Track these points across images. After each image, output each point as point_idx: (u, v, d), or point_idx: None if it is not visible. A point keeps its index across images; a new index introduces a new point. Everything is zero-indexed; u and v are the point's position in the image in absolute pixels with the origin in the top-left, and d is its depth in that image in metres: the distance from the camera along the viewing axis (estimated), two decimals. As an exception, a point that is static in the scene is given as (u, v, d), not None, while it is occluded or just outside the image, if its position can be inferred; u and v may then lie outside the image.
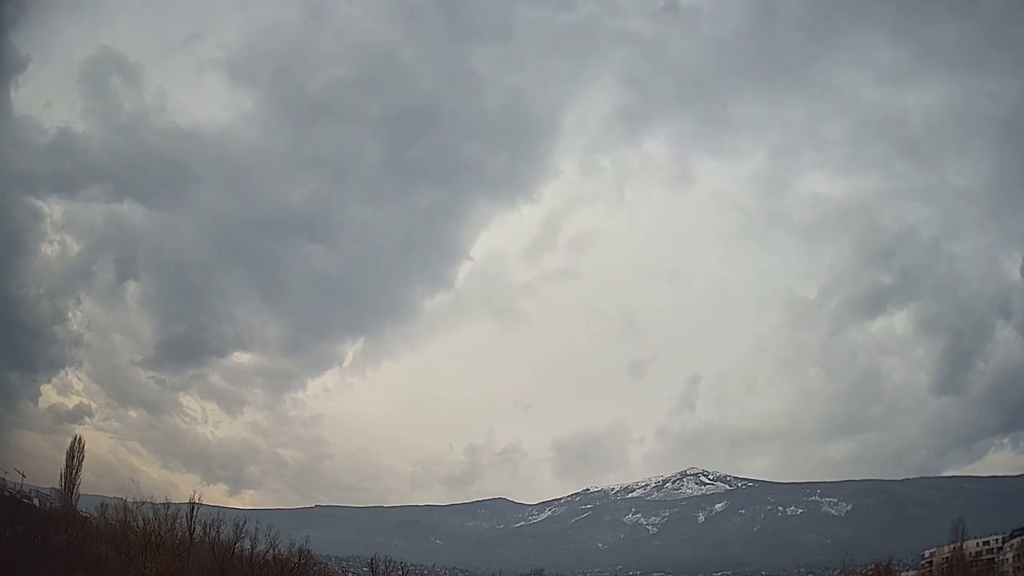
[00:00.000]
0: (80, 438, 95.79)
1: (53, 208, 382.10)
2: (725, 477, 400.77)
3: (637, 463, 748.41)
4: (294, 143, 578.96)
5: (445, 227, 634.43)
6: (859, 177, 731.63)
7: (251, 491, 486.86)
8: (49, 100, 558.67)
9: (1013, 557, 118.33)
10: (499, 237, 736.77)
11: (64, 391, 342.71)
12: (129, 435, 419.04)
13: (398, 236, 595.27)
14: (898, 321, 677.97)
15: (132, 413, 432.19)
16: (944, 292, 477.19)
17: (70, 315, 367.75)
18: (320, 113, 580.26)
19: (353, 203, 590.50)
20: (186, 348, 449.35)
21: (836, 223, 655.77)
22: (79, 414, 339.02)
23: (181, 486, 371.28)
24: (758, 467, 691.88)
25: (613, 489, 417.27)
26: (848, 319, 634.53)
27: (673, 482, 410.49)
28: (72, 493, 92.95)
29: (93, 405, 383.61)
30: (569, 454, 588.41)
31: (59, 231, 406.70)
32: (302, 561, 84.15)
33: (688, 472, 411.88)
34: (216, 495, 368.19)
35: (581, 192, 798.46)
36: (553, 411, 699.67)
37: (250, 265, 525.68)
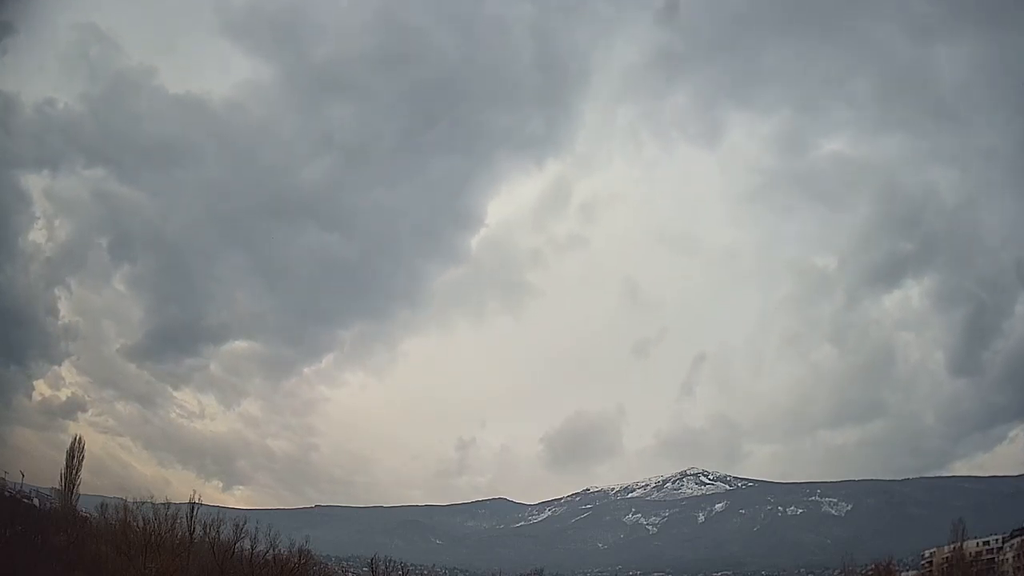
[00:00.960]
0: (80, 438, 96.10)
1: (38, 187, 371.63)
2: (725, 477, 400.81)
3: (638, 454, 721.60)
4: (301, 115, 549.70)
5: (457, 194, 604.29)
6: (884, 137, 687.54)
7: (242, 487, 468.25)
8: (34, 71, 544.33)
9: (1013, 557, 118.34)
10: (513, 202, 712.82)
11: (56, 385, 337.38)
12: (122, 430, 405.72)
13: (408, 211, 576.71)
14: (916, 293, 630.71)
15: (125, 407, 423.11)
16: (965, 262, 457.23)
17: (60, 305, 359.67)
18: (328, 81, 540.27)
19: (362, 175, 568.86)
20: (181, 336, 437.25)
21: (857, 186, 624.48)
22: (71, 408, 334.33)
23: (174, 482, 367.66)
24: (758, 466, 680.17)
25: (613, 489, 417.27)
26: (864, 290, 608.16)
27: (673, 482, 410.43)
28: (72, 493, 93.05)
29: (86, 398, 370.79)
30: (570, 443, 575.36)
31: (46, 212, 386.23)
32: (302, 561, 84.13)
33: (688, 472, 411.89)
34: (211, 492, 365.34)
35: (599, 150, 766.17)
36: (557, 399, 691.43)
37: (248, 246, 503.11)
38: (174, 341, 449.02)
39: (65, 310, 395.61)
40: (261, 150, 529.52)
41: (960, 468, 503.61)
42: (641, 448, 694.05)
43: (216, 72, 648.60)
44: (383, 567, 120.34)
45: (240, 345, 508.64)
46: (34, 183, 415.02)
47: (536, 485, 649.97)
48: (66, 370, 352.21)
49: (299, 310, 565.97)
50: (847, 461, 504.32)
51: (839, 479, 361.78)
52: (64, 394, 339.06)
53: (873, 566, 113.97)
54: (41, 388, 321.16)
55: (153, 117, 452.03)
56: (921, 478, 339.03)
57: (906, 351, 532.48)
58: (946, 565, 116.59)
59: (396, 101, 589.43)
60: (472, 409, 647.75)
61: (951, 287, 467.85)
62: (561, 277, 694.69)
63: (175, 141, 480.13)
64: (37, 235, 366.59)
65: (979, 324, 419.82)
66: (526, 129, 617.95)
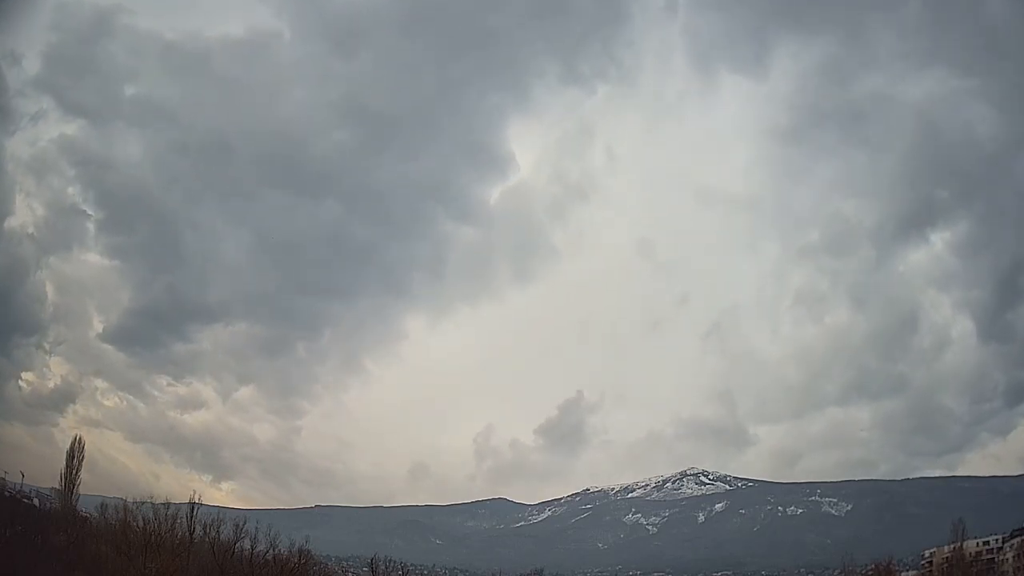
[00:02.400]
0: (80, 438, 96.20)
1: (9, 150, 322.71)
2: (725, 477, 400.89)
3: (630, 447, 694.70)
4: (310, 67, 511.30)
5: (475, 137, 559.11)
6: (928, 72, 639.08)
7: (231, 480, 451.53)
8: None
9: (1013, 557, 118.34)
10: (537, 145, 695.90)
11: (43, 375, 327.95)
12: (110, 423, 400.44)
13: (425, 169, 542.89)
14: (945, 246, 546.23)
15: (113, 400, 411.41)
16: (1000, 213, 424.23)
17: (45, 286, 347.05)
18: (345, 32, 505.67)
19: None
20: (170, 317, 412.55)
21: (894, 126, 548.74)
22: (58, 400, 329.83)
23: (163, 477, 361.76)
24: (760, 462, 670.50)
25: (613, 489, 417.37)
26: (890, 242, 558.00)
27: (673, 482, 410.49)
28: (72, 493, 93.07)
29: (74, 388, 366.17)
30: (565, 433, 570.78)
31: (21, 179, 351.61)
32: (302, 561, 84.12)
33: (688, 472, 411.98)
34: (202, 486, 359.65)
35: (633, 84, 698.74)
36: (561, 378, 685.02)
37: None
38: (163, 322, 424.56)
39: (50, 292, 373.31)
40: (268, 110, 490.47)
41: (974, 458, 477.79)
42: (636, 440, 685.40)
43: (218, 17, 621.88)
44: (383, 567, 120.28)
45: (237, 327, 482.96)
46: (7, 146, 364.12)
47: (536, 485, 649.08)
48: (52, 359, 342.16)
49: (300, 288, 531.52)
50: (857, 447, 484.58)
51: (839, 479, 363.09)
52: (51, 384, 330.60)
53: (873, 566, 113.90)
54: (28, 379, 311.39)
55: (142, 67, 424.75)
56: (921, 478, 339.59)
57: (931, 313, 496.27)
58: (946, 565, 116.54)
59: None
60: (475, 399, 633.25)
61: (984, 239, 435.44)
62: (580, 234, 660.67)
63: (168, 96, 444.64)
64: (15, 206, 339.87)
65: (1013, 282, 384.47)
66: (553, 62, 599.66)
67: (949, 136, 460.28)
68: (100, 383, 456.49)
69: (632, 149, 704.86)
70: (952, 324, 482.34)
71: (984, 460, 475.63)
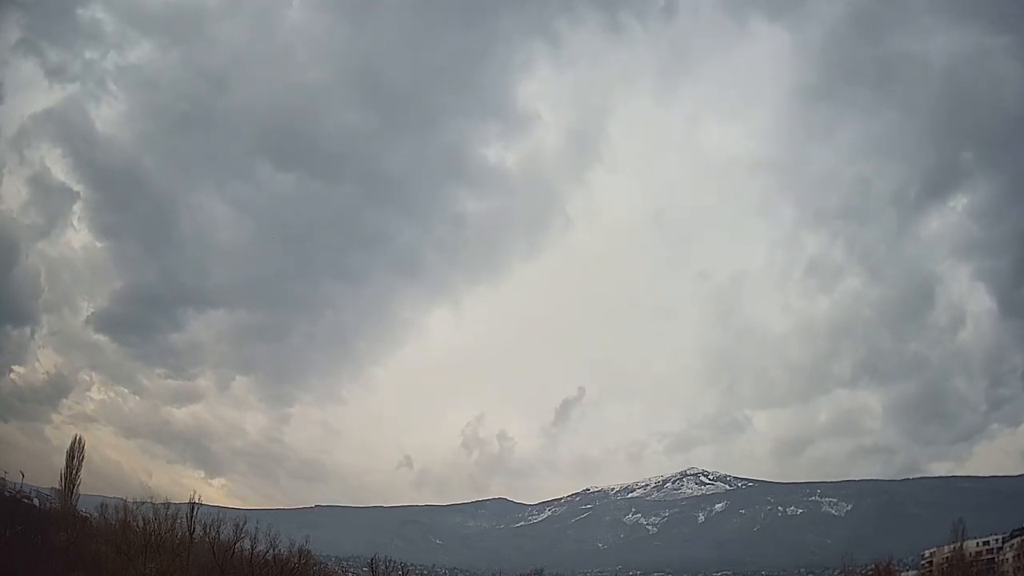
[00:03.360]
0: (80, 438, 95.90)
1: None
2: (725, 477, 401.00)
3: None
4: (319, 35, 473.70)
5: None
6: (958, 28, 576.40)
7: (222, 478, 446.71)
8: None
9: (1013, 557, 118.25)
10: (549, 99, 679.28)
11: (32, 368, 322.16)
12: (105, 420, 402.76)
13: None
14: (966, 211, 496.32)
15: (105, 394, 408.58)
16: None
17: (32, 272, 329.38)
18: None
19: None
20: (161, 304, 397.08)
21: (922, 84, 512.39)
22: (51, 395, 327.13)
23: (156, 473, 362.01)
24: (759, 463, 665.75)
25: (613, 489, 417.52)
26: (912, 208, 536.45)
27: (673, 482, 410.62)
28: (72, 493, 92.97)
29: (65, 384, 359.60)
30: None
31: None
32: (302, 561, 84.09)
33: (688, 472, 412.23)
34: (194, 482, 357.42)
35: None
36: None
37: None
38: (156, 308, 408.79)
39: (40, 278, 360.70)
40: (272, 82, 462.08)
41: (981, 452, 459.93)
42: (634, 437, 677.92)
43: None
44: (383, 567, 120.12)
45: (239, 314, 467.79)
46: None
47: (536, 485, 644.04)
48: (43, 351, 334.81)
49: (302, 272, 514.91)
50: (865, 435, 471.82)
51: (839, 479, 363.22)
52: (43, 376, 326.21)
53: (873, 566, 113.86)
54: (19, 372, 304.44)
55: (133, 33, 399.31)
56: (921, 478, 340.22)
57: (950, 286, 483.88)
58: (946, 565, 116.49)
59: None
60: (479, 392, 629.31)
61: (1006, 204, 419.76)
62: (592, 203, 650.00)
63: (161, 64, 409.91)
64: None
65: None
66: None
67: (977, 95, 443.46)
68: (93, 376, 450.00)
69: (645, 112, 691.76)
70: (970, 298, 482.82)
71: (990, 454, 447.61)
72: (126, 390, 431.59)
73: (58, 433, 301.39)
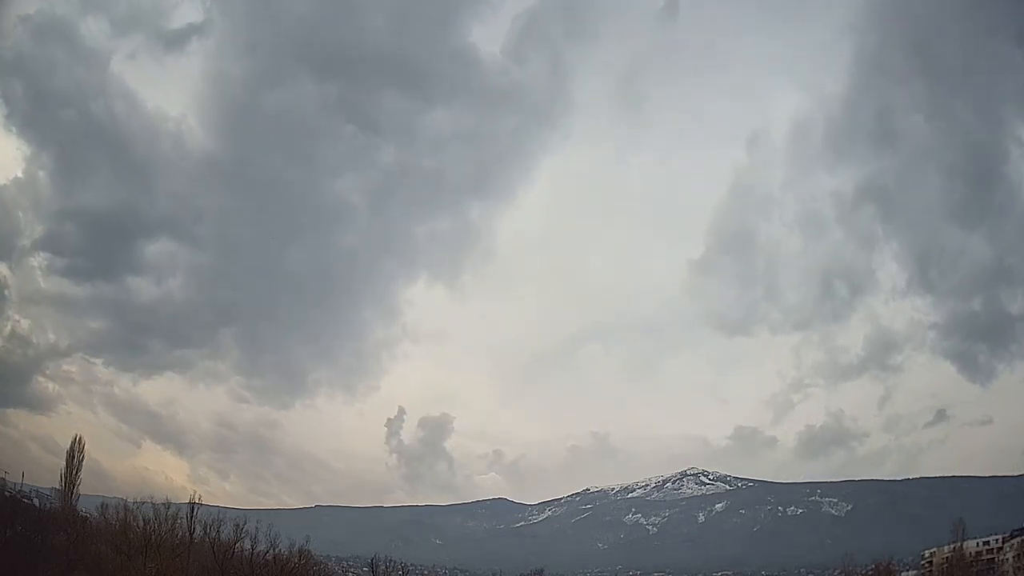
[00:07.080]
0: (80, 438, 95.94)
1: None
2: (725, 477, 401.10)
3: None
4: None
5: None
6: None
7: (226, 476, 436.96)
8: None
9: (1013, 557, 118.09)
10: None
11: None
12: (101, 417, 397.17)
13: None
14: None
15: (101, 391, 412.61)
16: None
17: None
18: None
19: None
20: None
21: None
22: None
23: (151, 471, 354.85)
24: (758, 467, 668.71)
25: (613, 489, 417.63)
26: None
27: (673, 482, 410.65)
28: (72, 493, 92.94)
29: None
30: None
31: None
32: (302, 561, 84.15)
33: (688, 472, 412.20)
34: (197, 483, 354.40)
35: None
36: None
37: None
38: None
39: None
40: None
41: (983, 449, 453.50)
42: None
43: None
44: (383, 567, 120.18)
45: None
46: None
47: (536, 485, 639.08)
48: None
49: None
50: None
51: (839, 479, 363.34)
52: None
53: (873, 566, 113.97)
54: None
55: None
56: (921, 478, 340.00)
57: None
58: (946, 565, 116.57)
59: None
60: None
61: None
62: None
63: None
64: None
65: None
66: None
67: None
68: (88, 371, 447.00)
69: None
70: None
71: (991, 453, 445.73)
72: (121, 386, 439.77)
73: (53, 427, 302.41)
